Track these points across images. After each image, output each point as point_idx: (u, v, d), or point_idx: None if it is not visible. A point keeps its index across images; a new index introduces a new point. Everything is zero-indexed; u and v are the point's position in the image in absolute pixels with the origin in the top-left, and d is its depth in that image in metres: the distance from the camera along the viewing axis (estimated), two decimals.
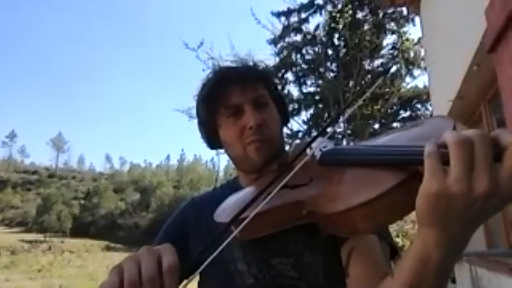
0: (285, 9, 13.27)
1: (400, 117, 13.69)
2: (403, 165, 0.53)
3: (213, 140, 0.93)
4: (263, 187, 0.65)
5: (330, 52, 12.95)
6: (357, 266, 0.71)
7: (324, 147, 0.76)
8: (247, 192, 0.82)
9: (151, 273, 0.52)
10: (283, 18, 13.27)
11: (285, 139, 0.99)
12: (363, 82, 12.17)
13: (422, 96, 12.76)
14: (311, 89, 13.44)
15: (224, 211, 0.78)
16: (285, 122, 0.97)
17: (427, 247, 0.50)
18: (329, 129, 0.79)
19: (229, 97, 0.87)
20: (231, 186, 0.97)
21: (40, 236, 53.66)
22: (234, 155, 0.91)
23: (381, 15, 12.60)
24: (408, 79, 12.86)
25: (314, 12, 13.21)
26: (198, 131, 0.97)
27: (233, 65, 1.00)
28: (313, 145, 0.73)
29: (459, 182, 0.44)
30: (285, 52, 13.04)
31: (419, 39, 11.54)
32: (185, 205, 0.99)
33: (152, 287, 0.52)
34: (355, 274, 0.71)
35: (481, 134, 0.45)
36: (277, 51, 13.16)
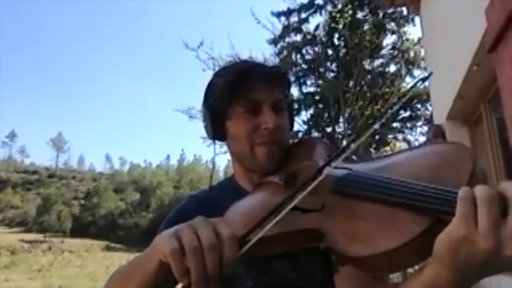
0: (285, 9, 13.26)
1: (400, 117, 13.68)
2: (430, 211, 0.51)
3: (217, 130, 0.88)
4: (271, 209, 0.62)
5: (330, 52, 12.93)
6: None
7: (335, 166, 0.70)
8: (251, 205, 0.77)
9: (212, 240, 0.50)
10: (283, 18, 13.27)
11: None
12: (363, 82, 12.17)
13: (422, 96, 12.75)
14: (311, 89, 13.43)
15: (230, 226, 0.75)
16: (290, 129, 0.96)
17: (438, 281, 0.50)
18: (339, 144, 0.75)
19: (254, 91, 0.83)
20: (229, 186, 0.95)
21: (40, 236, 53.64)
22: (239, 151, 0.87)
23: (381, 15, 12.59)
24: (408, 79, 12.86)
25: (314, 12, 13.20)
26: (202, 116, 0.91)
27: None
28: (322, 162, 0.69)
29: (487, 238, 0.43)
30: (285, 52, 13.03)
31: (419, 39, 11.53)
32: (186, 202, 0.96)
33: (214, 255, 0.50)
34: (345, 269, 0.70)
35: None
36: (277, 51, 13.15)
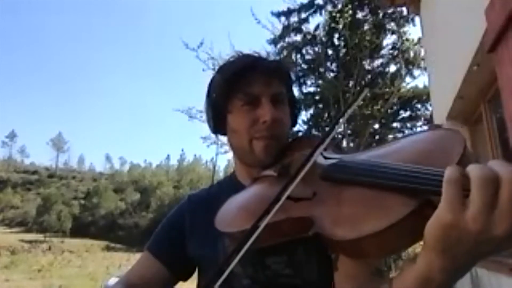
0: (285, 9, 13.28)
1: (400, 117, 13.69)
2: (417, 193, 0.50)
3: (218, 124, 0.89)
4: (265, 200, 0.62)
5: (330, 52, 12.94)
6: (347, 260, 0.69)
7: (326, 157, 0.71)
8: (246, 198, 0.78)
9: None
10: (283, 18, 13.28)
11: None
12: (363, 82, 12.17)
13: (422, 96, 12.77)
14: (311, 89, 13.45)
15: (225, 219, 0.75)
16: (293, 125, 0.95)
17: (431, 270, 0.49)
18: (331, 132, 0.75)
19: (252, 85, 0.83)
20: (228, 183, 0.95)
21: (40, 236, 53.64)
22: (238, 145, 0.87)
23: (381, 15, 12.59)
24: (408, 79, 12.86)
25: (314, 12, 13.21)
26: (205, 110, 0.92)
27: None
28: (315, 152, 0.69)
29: (476, 220, 0.42)
30: (285, 52, 13.03)
31: (419, 39, 11.54)
32: (182, 203, 0.97)
33: None
34: (344, 267, 0.70)
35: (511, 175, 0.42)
36: (277, 51, 13.15)
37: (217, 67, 0.98)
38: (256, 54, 0.93)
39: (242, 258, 0.78)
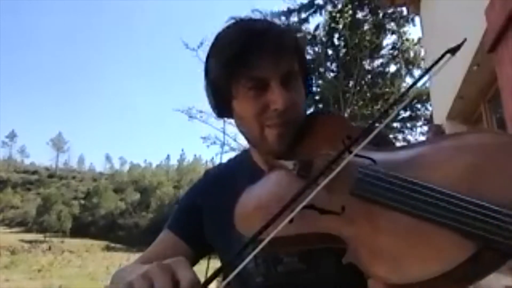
0: (285, 9, 13.30)
1: (400, 117, 13.69)
2: (478, 237, 0.42)
3: (223, 109, 0.79)
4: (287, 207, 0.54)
5: (330, 52, 12.96)
6: None
7: (358, 156, 0.58)
8: (265, 197, 0.69)
9: None
10: (283, 18, 13.29)
11: None
12: (363, 82, 12.18)
13: (422, 96, 12.77)
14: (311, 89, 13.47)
15: (243, 219, 0.67)
16: (309, 91, 0.84)
17: None
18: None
19: (257, 67, 0.71)
20: (245, 160, 0.89)
21: (40, 236, 53.71)
22: (247, 132, 0.78)
23: (381, 15, 12.61)
24: (408, 79, 12.87)
25: (314, 12, 13.22)
26: (205, 92, 0.81)
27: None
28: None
29: None
30: None
31: (419, 39, 11.54)
32: (198, 182, 0.94)
33: None
34: None
35: None
36: None
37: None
38: (256, 20, 0.80)
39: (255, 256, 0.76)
